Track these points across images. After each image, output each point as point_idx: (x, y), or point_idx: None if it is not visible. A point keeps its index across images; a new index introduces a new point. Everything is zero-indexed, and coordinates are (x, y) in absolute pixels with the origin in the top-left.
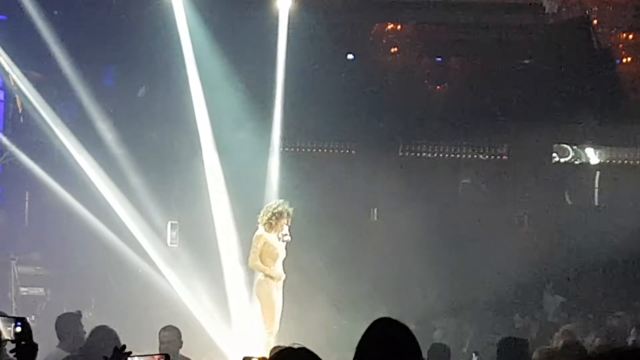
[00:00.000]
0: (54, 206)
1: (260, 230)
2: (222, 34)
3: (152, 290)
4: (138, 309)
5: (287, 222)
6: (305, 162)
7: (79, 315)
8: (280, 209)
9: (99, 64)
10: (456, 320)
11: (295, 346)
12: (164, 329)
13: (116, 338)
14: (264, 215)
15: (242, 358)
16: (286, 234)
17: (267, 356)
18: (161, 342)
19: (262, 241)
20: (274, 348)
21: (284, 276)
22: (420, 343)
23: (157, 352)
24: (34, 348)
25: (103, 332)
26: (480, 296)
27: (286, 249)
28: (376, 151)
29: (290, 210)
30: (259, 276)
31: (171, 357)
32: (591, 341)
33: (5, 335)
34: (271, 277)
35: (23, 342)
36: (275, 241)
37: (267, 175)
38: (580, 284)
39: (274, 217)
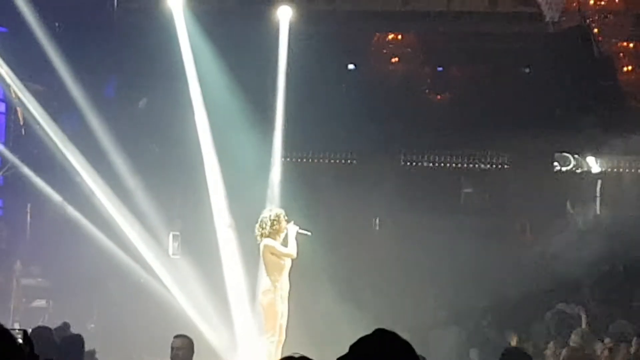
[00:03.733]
0: (56, 218)
1: (265, 241)
2: (223, 45)
3: (154, 301)
4: (140, 319)
5: (286, 222)
6: (306, 172)
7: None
8: (273, 213)
9: (100, 76)
10: (457, 328)
11: (296, 355)
12: (176, 337)
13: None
14: (264, 227)
15: None
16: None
17: None
18: (172, 349)
19: (268, 252)
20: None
21: (288, 288)
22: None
23: (165, 358)
24: (35, 359)
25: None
26: (481, 305)
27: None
28: (377, 161)
29: (280, 211)
30: (264, 286)
31: None
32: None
33: None
34: (274, 288)
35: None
36: (279, 250)
37: (269, 185)
38: (582, 293)
39: (275, 223)
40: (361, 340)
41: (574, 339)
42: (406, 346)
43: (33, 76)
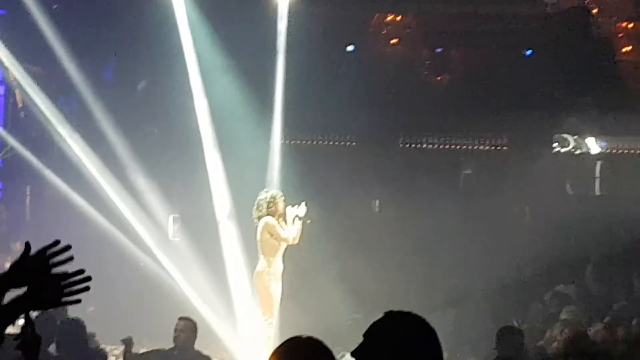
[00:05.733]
0: (55, 200)
1: (268, 219)
2: (222, 27)
3: (154, 284)
4: (140, 302)
5: (284, 203)
6: (306, 154)
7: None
8: (269, 195)
9: (99, 58)
10: (456, 311)
11: (303, 336)
12: (180, 319)
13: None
14: (261, 209)
15: None
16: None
17: (267, 347)
18: (174, 330)
19: (275, 226)
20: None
21: (281, 269)
22: None
23: (164, 342)
24: (37, 340)
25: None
26: (481, 287)
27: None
28: (377, 143)
29: (276, 192)
30: (258, 267)
31: (184, 348)
32: (595, 331)
33: (11, 329)
34: (268, 269)
35: (26, 335)
36: (277, 231)
37: (268, 167)
38: (581, 274)
39: (271, 204)
40: (374, 325)
41: (566, 318)
42: (421, 323)
43: (32, 58)
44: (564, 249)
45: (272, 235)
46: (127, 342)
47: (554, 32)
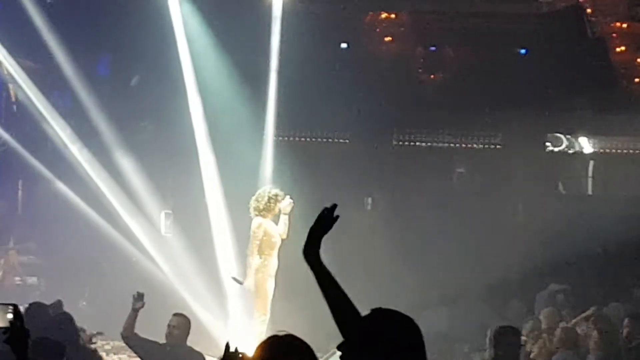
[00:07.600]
0: (48, 195)
1: (258, 219)
2: (216, 23)
3: (145, 279)
4: (131, 298)
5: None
6: (298, 151)
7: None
8: (275, 191)
9: (93, 53)
10: (448, 309)
11: (281, 334)
12: (175, 314)
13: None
14: (259, 201)
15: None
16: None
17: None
18: (168, 326)
19: (262, 230)
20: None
21: (276, 266)
22: None
23: (155, 338)
24: (25, 334)
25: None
26: (473, 285)
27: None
28: (370, 140)
29: (280, 192)
30: (254, 265)
31: (176, 345)
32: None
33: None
34: (264, 267)
35: (15, 329)
36: (272, 229)
37: (261, 164)
38: (573, 274)
39: (272, 201)
40: (360, 321)
41: (544, 321)
42: (407, 321)
43: (25, 53)
44: (556, 248)
45: (266, 233)
46: (139, 297)
47: (548, 31)
